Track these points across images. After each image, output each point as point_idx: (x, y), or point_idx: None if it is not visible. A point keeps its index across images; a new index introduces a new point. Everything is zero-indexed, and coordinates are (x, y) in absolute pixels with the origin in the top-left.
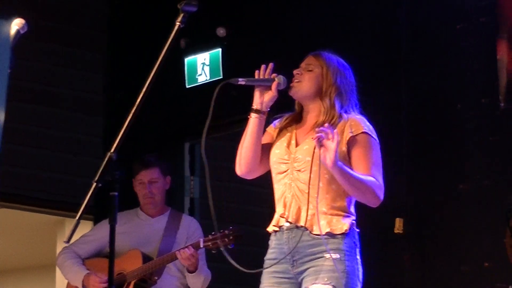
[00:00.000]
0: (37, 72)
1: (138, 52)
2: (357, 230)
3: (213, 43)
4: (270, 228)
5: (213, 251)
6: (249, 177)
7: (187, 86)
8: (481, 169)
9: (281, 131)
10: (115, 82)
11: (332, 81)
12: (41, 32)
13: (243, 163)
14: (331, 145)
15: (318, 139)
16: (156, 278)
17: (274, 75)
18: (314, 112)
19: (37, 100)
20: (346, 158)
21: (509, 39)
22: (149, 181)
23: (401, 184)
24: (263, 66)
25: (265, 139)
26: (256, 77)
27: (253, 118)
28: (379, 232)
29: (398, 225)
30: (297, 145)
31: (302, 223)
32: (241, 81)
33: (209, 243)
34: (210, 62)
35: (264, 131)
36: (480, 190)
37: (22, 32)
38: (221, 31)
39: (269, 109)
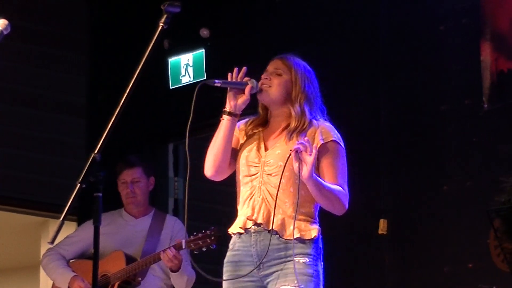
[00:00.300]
0: (20, 74)
1: (121, 54)
2: (321, 236)
3: (197, 44)
4: (234, 230)
5: (195, 252)
6: (218, 178)
7: (171, 87)
8: (464, 170)
9: (247, 134)
10: (98, 84)
11: (302, 88)
12: (24, 33)
13: (214, 165)
14: (309, 158)
15: (296, 151)
16: (140, 279)
17: (247, 78)
18: (281, 117)
19: (20, 102)
20: (315, 164)
21: (492, 40)
22: (131, 181)
23: (383, 186)
24: (236, 69)
25: (232, 142)
26: (229, 79)
27: (225, 121)
28: (362, 233)
29: (382, 226)
30: (266, 149)
31: (272, 227)
32: (217, 83)
33: (191, 244)
34: (193, 63)
35: None
36: (463, 191)
37: (5, 33)
38: (204, 32)
39: (240, 113)
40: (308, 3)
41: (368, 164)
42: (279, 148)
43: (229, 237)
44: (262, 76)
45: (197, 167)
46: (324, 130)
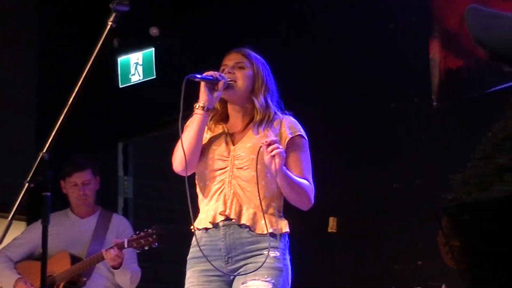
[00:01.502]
0: None
1: (71, 52)
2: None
3: (146, 42)
4: (201, 225)
5: (137, 251)
6: (186, 174)
7: (120, 86)
8: (413, 168)
9: (210, 129)
10: (48, 83)
11: (264, 80)
12: None
13: (184, 160)
14: (281, 151)
15: (270, 144)
16: (85, 279)
17: (218, 73)
18: (244, 110)
19: None
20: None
21: (440, 38)
22: (82, 183)
23: (333, 184)
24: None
25: None
26: (206, 74)
27: (198, 115)
28: (312, 231)
29: (332, 224)
30: (234, 143)
31: (244, 221)
32: (198, 78)
33: (133, 243)
34: (143, 62)
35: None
36: (413, 189)
37: None
38: (154, 31)
39: (212, 108)
40: (261, 1)
41: (318, 162)
42: (248, 141)
43: (183, 234)
44: (225, 71)
45: (147, 166)
46: (291, 125)
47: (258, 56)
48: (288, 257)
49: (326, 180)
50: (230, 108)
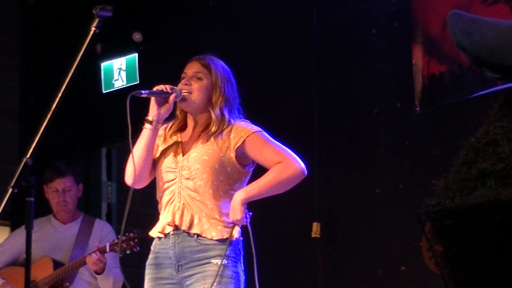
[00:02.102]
0: None
1: (53, 58)
2: (241, 238)
3: (130, 48)
4: (153, 234)
5: (120, 255)
6: (138, 186)
7: (104, 91)
8: (396, 173)
9: (165, 139)
10: (30, 88)
11: (222, 91)
12: None
13: (135, 174)
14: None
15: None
16: (68, 284)
17: (170, 86)
18: (201, 121)
19: None
20: (234, 164)
21: (423, 43)
22: (63, 189)
23: (316, 189)
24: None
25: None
26: (155, 89)
27: (147, 130)
28: (296, 236)
29: (316, 230)
30: (184, 153)
31: (195, 230)
32: (144, 94)
33: (115, 247)
34: (126, 67)
35: None
36: (396, 194)
37: None
38: (137, 36)
39: (162, 121)
40: (242, 6)
41: None
42: (195, 151)
43: (152, 240)
44: (183, 81)
45: None
46: (240, 128)
47: (220, 64)
48: (240, 265)
49: (310, 185)
50: (188, 117)
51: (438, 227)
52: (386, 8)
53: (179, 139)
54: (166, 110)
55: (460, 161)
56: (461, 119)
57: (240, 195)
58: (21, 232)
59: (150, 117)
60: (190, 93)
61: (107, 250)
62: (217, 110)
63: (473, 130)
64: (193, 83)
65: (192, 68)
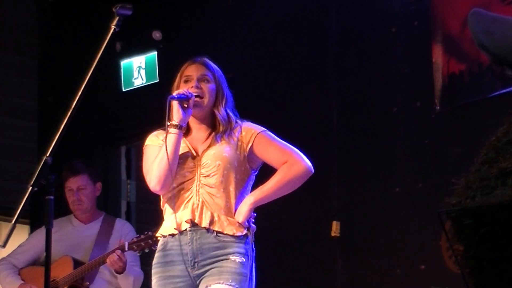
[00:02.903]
0: None
1: (72, 56)
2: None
3: (149, 46)
4: (166, 232)
5: (138, 253)
6: (165, 191)
7: (123, 90)
8: (415, 172)
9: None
10: (49, 87)
11: (223, 92)
12: None
13: (163, 179)
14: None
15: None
16: (88, 283)
17: (186, 91)
18: (206, 123)
19: None
20: (245, 164)
21: (443, 42)
22: (77, 188)
23: (335, 188)
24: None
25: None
26: (178, 93)
27: (174, 134)
28: (314, 236)
29: (335, 228)
30: (198, 153)
31: (214, 227)
32: (175, 98)
33: (134, 246)
34: (146, 66)
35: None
36: (415, 193)
37: None
38: (156, 35)
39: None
40: (260, 5)
41: (321, 167)
42: (213, 149)
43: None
44: (193, 85)
45: None
46: (249, 128)
47: (215, 66)
48: (253, 263)
49: (329, 185)
50: (191, 121)
51: (458, 227)
52: (406, 7)
53: (186, 142)
54: (188, 113)
55: (480, 160)
56: (481, 118)
57: (250, 199)
58: (42, 231)
59: (175, 121)
60: (201, 97)
61: (126, 248)
62: (222, 111)
63: (493, 129)
64: (203, 87)
65: (198, 71)
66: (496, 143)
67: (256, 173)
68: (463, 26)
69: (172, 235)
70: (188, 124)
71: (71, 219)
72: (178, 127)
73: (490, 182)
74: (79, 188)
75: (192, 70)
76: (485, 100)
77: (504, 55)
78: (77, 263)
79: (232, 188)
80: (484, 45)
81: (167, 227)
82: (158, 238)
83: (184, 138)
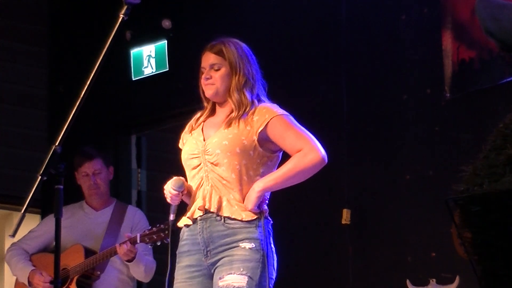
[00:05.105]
0: None
1: (82, 45)
2: (270, 220)
3: (159, 35)
4: (182, 223)
5: (150, 246)
6: None
7: (133, 79)
8: (426, 160)
9: (191, 131)
10: (59, 76)
11: (239, 72)
12: None
13: None
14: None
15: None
16: (99, 272)
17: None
18: (226, 105)
19: None
20: (257, 148)
21: (453, 29)
22: (93, 173)
23: (346, 176)
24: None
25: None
26: (173, 205)
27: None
28: (325, 223)
29: (346, 216)
30: (204, 138)
31: (224, 213)
32: (173, 216)
33: (146, 238)
34: (156, 54)
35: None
36: (426, 180)
37: None
38: (166, 23)
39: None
40: None
41: (331, 154)
42: (216, 136)
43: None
44: (202, 77)
45: (159, 159)
46: (264, 111)
47: (234, 45)
48: (270, 246)
49: (340, 172)
50: (216, 104)
51: (466, 214)
52: None
53: (202, 126)
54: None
55: (488, 147)
56: (491, 105)
57: (258, 186)
58: (53, 218)
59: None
60: (213, 84)
61: (138, 241)
62: (236, 94)
63: (503, 116)
64: (213, 75)
65: (207, 61)
66: (504, 130)
67: (281, 152)
68: (473, 13)
69: (187, 225)
70: (214, 105)
71: (82, 206)
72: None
73: (498, 169)
74: (95, 173)
75: (203, 61)
76: (495, 87)
77: None
78: (88, 252)
79: (235, 175)
80: (492, 31)
81: (184, 218)
82: (168, 232)
83: (203, 121)
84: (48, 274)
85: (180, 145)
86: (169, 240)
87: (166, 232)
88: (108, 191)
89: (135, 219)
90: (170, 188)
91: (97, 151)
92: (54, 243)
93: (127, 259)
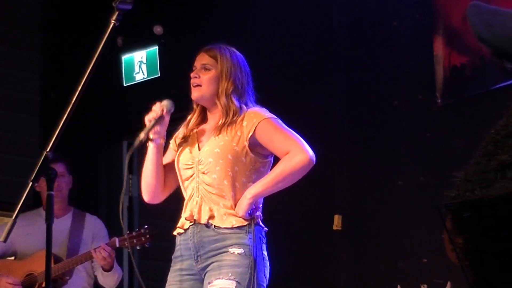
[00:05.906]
0: None
1: (74, 51)
2: (264, 227)
3: (150, 41)
4: (175, 231)
5: (129, 250)
6: (156, 201)
7: (125, 84)
8: (417, 165)
9: (184, 137)
10: (51, 81)
11: (229, 78)
12: None
13: (148, 190)
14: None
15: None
16: (68, 278)
17: (157, 108)
18: (215, 111)
19: None
20: (248, 153)
21: (444, 35)
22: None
23: (338, 181)
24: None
25: (169, 157)
26: (148, 123)
27: (151, 148)
28: (317, 229)
29: (337, 222)
30: (199, 148)
31: (214, 222)
32: (144, 138)
33: (125, 242)
34: (147, 60)
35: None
36: (417, 186)
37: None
38: (158, 29)
39: (165, 134)
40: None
41: (323, 160)
42: (208, 145)
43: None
44: (191, 75)
45: None
46: (252, 115)
47: (228, 51)
48: (261, 252)
49: (331, 178)
50: (206, 110)
51: (458, 220)
52: (408, 0)
53: (195, 135)
54: (163, 125)
55: (480, 153)
56: (483, 111)
57: (249, 192)
58: (4, 227)
59: (151, 136)
60: (199, 85)
61: (117, 245)
62: (224, 99)
63: (495, 122)
64: (202, 75)
65: (200, 60)
66: (495, 136)
67: (272, 157)
68: (464, 19)
69: (179, 233)
70: (205, 111)
71: (40, 213)
72: (153, 140)
73: (490, 174)
74: (58, 175)
75: (197, 60)
76: (487, 93)
77: (504, 47)
78: (56, 258)
79: (227, 182)
80: (484, 38)
81: (177, 227)
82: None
83: (196, 128)
84: (14, 277)
85: (171, 145)
86: (150, 244)
87: (148, 236)
88: (67, 198)
89: (96, 228)
90: (161, 107)
91: (59, 155)
92: (10, 250)
93: (104, 265)
